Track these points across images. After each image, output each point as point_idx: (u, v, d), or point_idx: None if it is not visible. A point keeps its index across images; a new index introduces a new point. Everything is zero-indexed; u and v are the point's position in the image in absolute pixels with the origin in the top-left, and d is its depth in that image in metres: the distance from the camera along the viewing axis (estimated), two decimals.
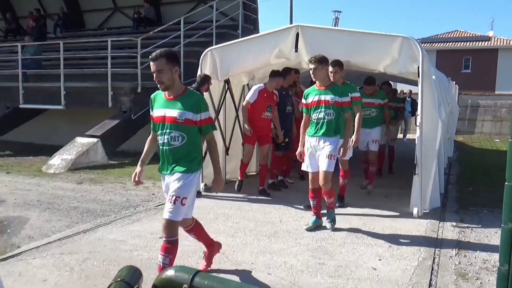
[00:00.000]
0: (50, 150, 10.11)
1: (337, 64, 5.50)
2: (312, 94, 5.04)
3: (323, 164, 4.85)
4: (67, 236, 4.81)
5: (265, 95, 6.55)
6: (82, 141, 9.87)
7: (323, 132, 4.91)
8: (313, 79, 5.06)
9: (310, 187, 5.08)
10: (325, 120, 4.91)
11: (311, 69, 4.84)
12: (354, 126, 5.65)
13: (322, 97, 4.95)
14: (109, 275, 3.71)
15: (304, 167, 5.12)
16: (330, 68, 5.28)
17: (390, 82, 8.65)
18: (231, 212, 5.85)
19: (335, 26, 24.52)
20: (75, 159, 9.21)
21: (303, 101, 5.11)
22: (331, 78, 5.27)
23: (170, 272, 1.42)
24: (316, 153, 4.94)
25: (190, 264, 4.08)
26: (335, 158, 4.95)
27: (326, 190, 4.97)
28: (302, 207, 5.94)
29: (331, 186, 4.96)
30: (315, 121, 4.97)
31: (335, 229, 5.07)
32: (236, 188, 6.84)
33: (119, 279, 1.48)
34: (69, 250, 4.38)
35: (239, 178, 6.94)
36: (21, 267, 3.95)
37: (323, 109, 4.93)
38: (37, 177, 8.28)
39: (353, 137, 5.59)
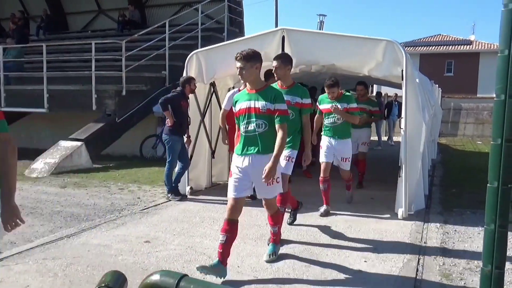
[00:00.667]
0: (33, 154, 9.95)
1: (281, 57, 4.71)
2: (242, 100, 3.92)
3: (265, 192, 3.91)
4: (50, 241, 4.74)
5: None
6: (65, 145, 9.76)
7: (256, 149, 3.78)
8: (242, 82, 4.13)
9: (226, 216, 3.85)
10: (256, 133, 3.79)
11: (237, 68, 3.83)
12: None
13: (252, 104, 3.82)
14: (94, 281, 3.66)
15: (230, 193, 3.87)
16: (274, 63, 4.60)
17: (365, 82, 7.81)
18: (217, 215, 5.82)
19: (320, 29, 24.70)
20: (59, 163, 9.10)
21: (234, 109, 4.06)
22: (275, 75, 4.67)
23: (155, 277, 1.40)
24: (248, 176, 3.82)
25: (175, 268, 4.05)
26: (280, 180, 3.91)
27: (271, 213, 4.15)
28: (288, 210, 5.93)
29: (276, 209, 4.16)
30: (244, 135, 3.85)
31: (320, 232, 5.08)
32: None
33: (103, 285, 1.46)
34: (53, 256, 4.32)
35: None
36: (3, 273, 3.88)
37: (253, 119, 3.80)
38: (19, 182, 8.12)
39: (305, 154, 4.77)
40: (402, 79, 5.59)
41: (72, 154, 9.44)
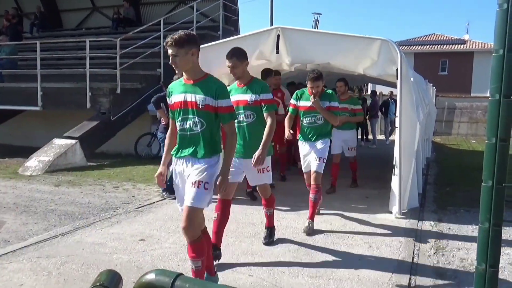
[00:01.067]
0: (27, 152, 9.91)
1: (235, 54, 4.05)
2: (176, 92, 3.28)
3: (187, 197, 3.16)
4: (44, 240, 4.72)
5: None
6: (60, 143, 9.71)
7: (191, 151, 3.21)
8: (177, 73, 3.38)
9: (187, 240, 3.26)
10: (193, 132, 3.20)
11: (169, 55, 3.16)
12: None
13: (189, 97, 3.19)
14: (88, 279, 3.65)
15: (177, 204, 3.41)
16: (228, 62, 4.07)
17: (345, 79, 7.38)
18: (211, 213, 5.81)
19: (315, 28, 24.72)
20: (53, 160, 9.06)
21: (169, 101, 3.40)
22: (233, 75, 4.21)
23: (150, 276, 1.40)
24: (184, 182, 3.28)
25: (170, 266, 4.04)
26: (209, 188, 3.17)
27: (189, 239, 3.17)
28: (283, 208, 5.94)
29: (198, 235, 3.19)
30: (179, 133, 3.28)
31: (315, 231, 5.08)
32: None
33: (98, 284, 1.45)
34: (47, 254, 4.30)
35: None
36: None
37: (190, 116, 3.20)
38: (13, 180, 8.10)
39: (256, 153, 4.03)
40: (397, 78, 5.61)
41: (67, 152, 9.39)
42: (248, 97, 4.18)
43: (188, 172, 3.23)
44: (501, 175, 1.79)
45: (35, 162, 9.08)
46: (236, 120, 3.89)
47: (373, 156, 12.27)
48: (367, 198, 6.79)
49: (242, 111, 4.20)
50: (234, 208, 6.02)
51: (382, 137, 16.68)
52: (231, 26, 14.58)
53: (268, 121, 4.15)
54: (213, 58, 6.78)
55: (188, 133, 3.23)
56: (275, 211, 4.83)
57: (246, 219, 5.57)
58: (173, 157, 3.36)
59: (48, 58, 12.92)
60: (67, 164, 9.29)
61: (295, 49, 6.19)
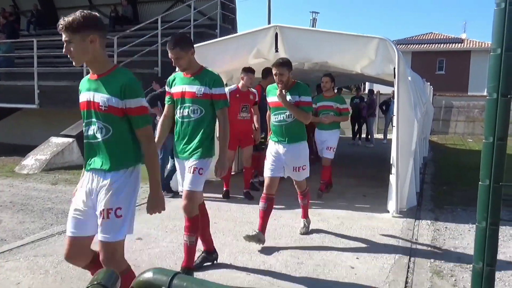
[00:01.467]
0: (23, 150, 9.88)
1: (177, 44, 3.52)
2: (83, 89, 2.69)
3: (99, 229, 2.58)
4: (41, 238, 4.71)
5: (237, 95, 6.40)
6: (57, 141, 9.68)
7: (94, 163, 2.65)
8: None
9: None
10: (97, 140, 2.61)
11: (63, 41, 2.62)
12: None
13: (91, 97, 2.60)
14: (85, 278, 3.64)
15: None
16: (169, 53, 3.60)
17: (331, 74, 6.72)
18: (209, 212, 5.75)
19: (312, 27, 24.73)
20: (50, 159, 9.03)
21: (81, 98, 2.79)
22: (179, 68, 3.66)
23: (148, 275, 1.39)
24: (91, 203, 2.64)
25: (168, 265, 4.04)
26: (125, 213, 2.60)
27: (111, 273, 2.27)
28: (279, 207, 5.93)
29: (122, 269, 2.56)
30: (85, 143, 2.72)
31: (312, 229, 5.08)
32: (222, 196, 6.57)
33: (95, 283, 1.44)
34: (44, 252, 4.29)
35: (225, 188, 6.60)
36: None
37: (93, 119, 2.61)
38: (9, 178, 8.08)
39: (216, 164, 3.67)
40: (394, 77, 5.62)
41: (64, 151, 9.37)
42: (196, 88, 3.57)
43: (95, 192, 2.58)
44: (499, 174, 1.80)
45: (32, 161, 9.05)
46: (179, 115, 3.63)
47: (370, 155, 12.30)
48: (365, 197, 6.80)
49: (188, 104, 3.60)
50: (231, 207, 6.06)
51: (380, 136, 16.69)
52: (229, 24, 14.57)
53: (221, 121, 3.64)
54: (211, 56, 6.79)
55: (91, 141, 2.62)
56: (273, 210, 4.62)
57: (243, 218, 5.57)
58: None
59: (45, 56, 12.87)
60: (64, 162, 9.26)
61: (293, 47, 6.19)
